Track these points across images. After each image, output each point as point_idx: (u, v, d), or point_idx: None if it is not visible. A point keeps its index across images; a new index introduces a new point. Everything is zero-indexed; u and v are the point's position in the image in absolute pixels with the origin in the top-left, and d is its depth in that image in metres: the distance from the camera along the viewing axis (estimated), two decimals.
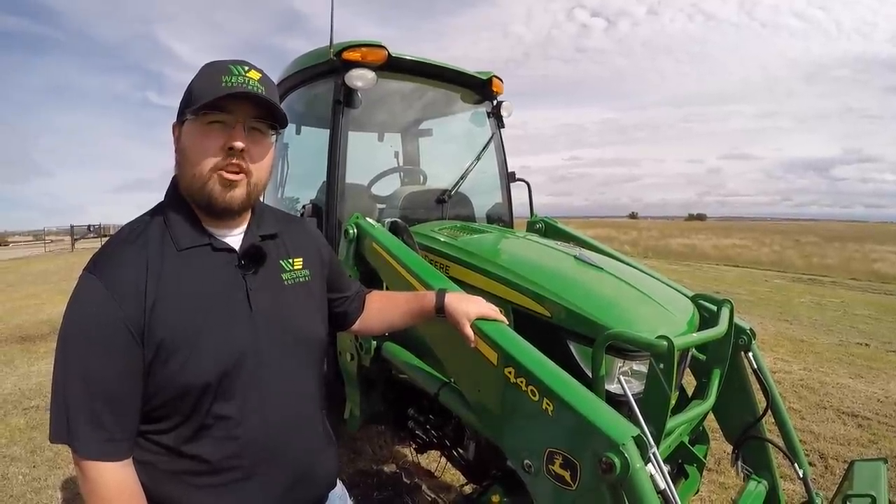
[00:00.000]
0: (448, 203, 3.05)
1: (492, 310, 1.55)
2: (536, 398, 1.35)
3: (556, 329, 1.82)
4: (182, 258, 1.11)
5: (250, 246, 1.19)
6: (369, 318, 1.61)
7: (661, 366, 1.54)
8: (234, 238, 1.21)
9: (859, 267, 16.38)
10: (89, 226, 35.95)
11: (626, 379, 1.76)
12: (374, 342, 2.34)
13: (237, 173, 1.12)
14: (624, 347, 1.68)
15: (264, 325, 1.16)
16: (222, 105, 1.08)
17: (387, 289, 2.19)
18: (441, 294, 1.52)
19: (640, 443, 1.18)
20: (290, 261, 1.30)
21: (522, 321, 1.91)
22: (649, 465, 1.18)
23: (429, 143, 4.13)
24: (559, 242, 2.51)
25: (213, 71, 1.12)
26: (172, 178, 1.19)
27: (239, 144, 1.10)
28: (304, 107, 3.47)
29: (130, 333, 1.02)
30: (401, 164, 3.90)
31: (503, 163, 3.54)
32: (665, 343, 1.49)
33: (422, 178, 3.78)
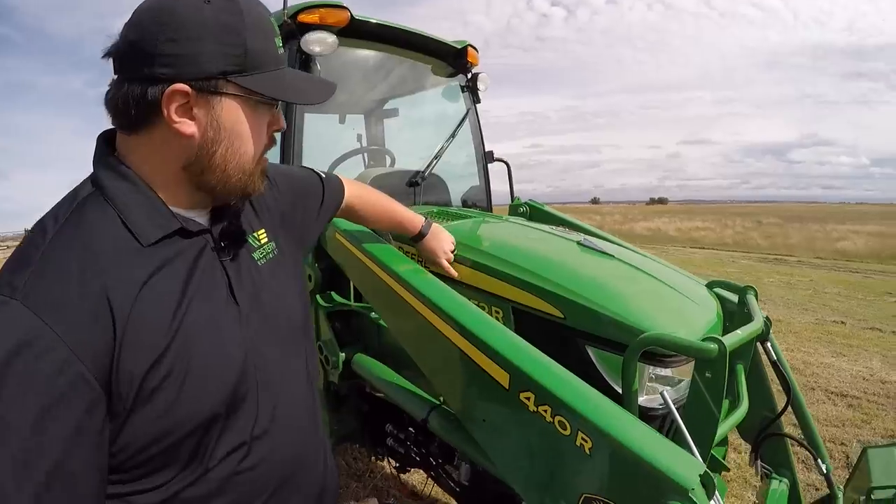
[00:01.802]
0: (421, 186, 2.66)
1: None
2: (568, 432, 1.02)
3: (572, 333, 1.48)
4: (148, 257, 0.81)
5: (228, 223, 0.95)
6: (346, 213, 1.50)
7: (709, 374, 1.23)
8: (202, 215, 0.93)
9: (823, 246, 16.77)
10: (26, 229, 34.33)
11: (655, 387, 1.44)
12: (343, 354, 1.96)
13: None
14: (658, 353, 1.34)
15: (255, 322, 0.93)
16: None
17: (354, 291, 1.83)
18: (430, 224, 1.66)
19: (707, 482, 0.94)
20: (255, 235, 1.04)
21: (526, 324, 1.57)
22: None
23: (395, 124, 3.74)
24: (553, 227, 2.15)
25: (265, 24, 0.88)
26: (109, 158, 0.86)
27: (284, 126, 0.95)
28: None
29: (88, 384, 0.69)
30: (366, 157, 3.49)
31: (480, 142, 3.18)
32: (715, 346, 1.17)
33: (389, 160, 3.39)
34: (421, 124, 3.72)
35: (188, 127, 0.82)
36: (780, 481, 1.99)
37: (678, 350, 1.23)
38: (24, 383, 0.66)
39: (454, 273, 1.68)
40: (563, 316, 1.47)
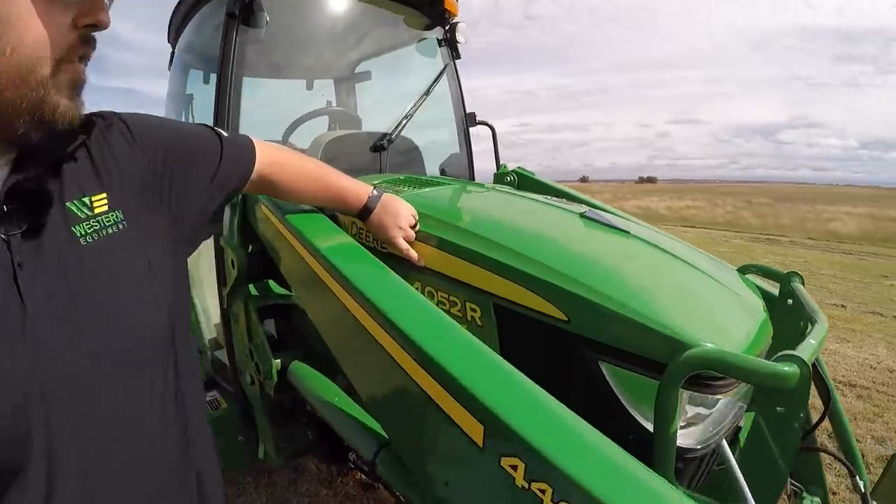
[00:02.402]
0: (388, 152, 2.20)
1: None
2: None
3: (578, 342, 1.05)
4: None
5: (23, 180, 0.67)
6: (258, 186, 1.14)
7: (782, 408, 0.83)
8: None
9: (815, 227, 16.76)
10: None
11: (690, 420, 1.04)
12: (277, 361, 1.53)
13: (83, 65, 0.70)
14: (703, 375, 0.93)
15: (55, 333, 0.65)
16: None
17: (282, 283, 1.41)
18: (379, 195, 1.30)
19: None
20: (86, 201, 0.74)
21: (513, 328, 1.15)
22: None
23: (368, 89, 3.34)
24: (549, 197, 1.72)
25: None
26: None
27: (107, 20, 0.69)
28: (206, 45, 2.57)
29: None
30: (337, 123, 3.05)
31: (460, 103, 2.72)
32: (796, 370, 0.78)
33: (356, 124, 2.95)
34: (396, 88, 3.32)
35: None
36: (812, 500, 1.65)
37: (744, 377, 0.82)
38: None
39: (414, 255, 1.27)
40: (566, 318, 1.04)
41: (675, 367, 0.83)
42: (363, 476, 2.67)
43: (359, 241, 1.47)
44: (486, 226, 1.31)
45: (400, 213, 1.28)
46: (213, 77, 2.64)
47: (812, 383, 1.52)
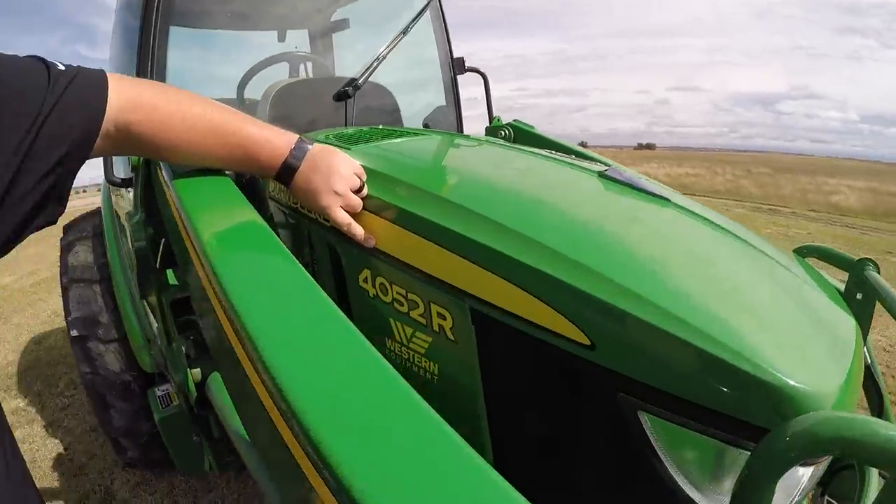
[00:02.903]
0: (354, 100, 1.76)
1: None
2: None
3: (607, 380, 0.66)
4: None
5: None
6: (119, 141, 0.78)
7: None
8: None
9: (816, 198, 16.53)
10: None
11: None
12: (195, 371, 1.14)
13: None
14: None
15: None
16: None
17: (179, 276, 1.03)
18: (303, 149, 0.89)
19: None
20: None
21: (504, 351, 0.77)
22: None
23: (347, 39, 2.86)
24: (554, 153, 1.32)
25: None
26: None
27: None
28: None
29: None
30: (310, 74, 2.62)
31: (446, 46, 2.28)
32: None
33: (327, 72, 2.52)
34: (378, 37, 2.85)
35: None
36: None
37: (887, 464, 0.46)
38: None
39: (358, 231, 0.87)
40: (589, 342, 0.65)
41: (784, 444, 0.48)
42: None
43: (297, 211, 1.10)
44: (466, 192, 0.91)
45: (335, 172, 0.88)
46: (176, 33, 2.25)
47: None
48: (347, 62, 2.90)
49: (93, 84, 0.72)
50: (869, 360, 1.23)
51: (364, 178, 0.92)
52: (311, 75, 2.62)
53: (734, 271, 0.77)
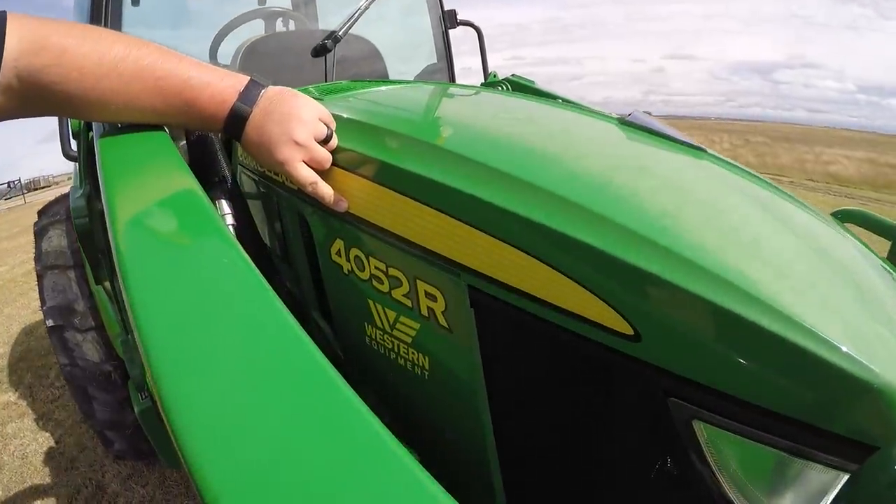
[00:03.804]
0: (334, 54, 1.54)
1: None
2: None
3: (654, 379, 0.49)
4: None
5: None
6: (28, 85, 0.60)
7: None
8: None
9: (814, 168, 16.50)
10: (9, 182, 31.48)
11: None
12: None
13: None
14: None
15: None
16: None
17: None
18: (255, 91, 0.71)
19: None
20: None
21: (513, 340, 0.60)
22: None
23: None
24: (561, 100, 1.14)
25: None
26: None
27: None
28: None
29: None
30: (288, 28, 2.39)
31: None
32: None
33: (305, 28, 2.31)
34: None
35: None
36: None
37: None
38: None
39: (326, 192, 0.69)
40: (632, 331, 0.48)
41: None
42: None
43: (265, 176, 0.91)
44: (462, 139, 0.72)
45: (295, 118, 0.69)
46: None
47: None
48: (332, 21, 2.69)
49: None
50: None
51: (333, 125, 0.73)
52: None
53: (808, 243, 0.60)
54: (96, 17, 1.34)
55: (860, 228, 1.16)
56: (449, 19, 2.05)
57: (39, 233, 2.35)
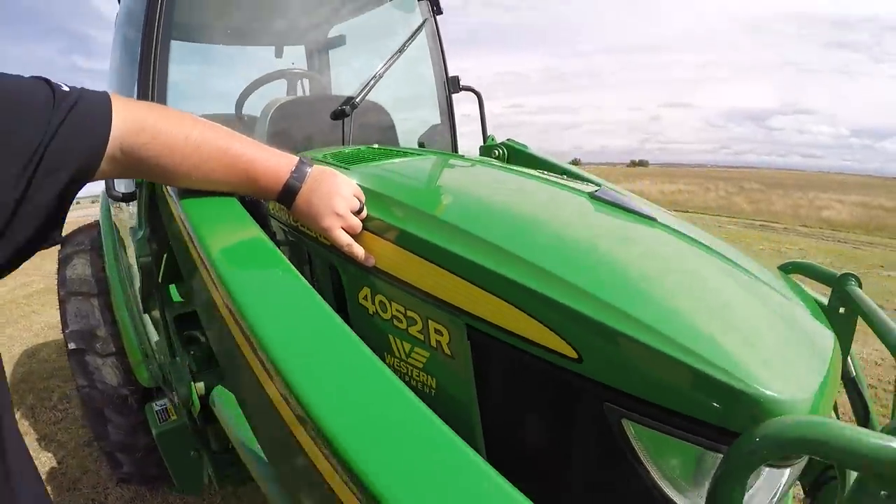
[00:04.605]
0: (351, 118, 1.81)
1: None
2: None
3: (593, 390, 0.71)
4: None
5: None
6: (124, 164, 0.79)
7: (886, 493, 0.55)
8: None
9: (808, 214, 16.68)
10: None
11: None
12: (199, 385, 1.18)
13: None
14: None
15: None
16: None
17: (183, 291, 1.07)
18: (304, 170, 0.92)
19: None
20: None
21: (497, 364, 0.82)
22: None
23: (343, 56, 2.97)
24: (546, 173, 1.37)
25: None
26: None
27: None
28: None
29: None
30: (306, 91, 2.67)
31: (441, 64, 2.35)
32: None
33: (324, 89, 2.58)
34: (373, 54, 2.88)
35: None
36: None
37: (860, 465, 0.50)
38: None
39: (358, 252, 0.91)
40: (576, 356, 0.70)
41: (755, 444, 0.54)
42: None
43: (297, 229, 1.13)
44: (462, 213, 0.95)
45: (336, 194, 0.91)
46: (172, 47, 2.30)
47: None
48: (344, 78, 2.98)
49: (97, 107, 0.73)
50: (854, 374, 1.28)
51: (363, 199, 0.96)
52: (307, 92, 2.68)
53: (717, 288, 0.81)
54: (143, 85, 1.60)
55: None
56: (452, 85, 2.31)
57: (64, 260, 2.55)
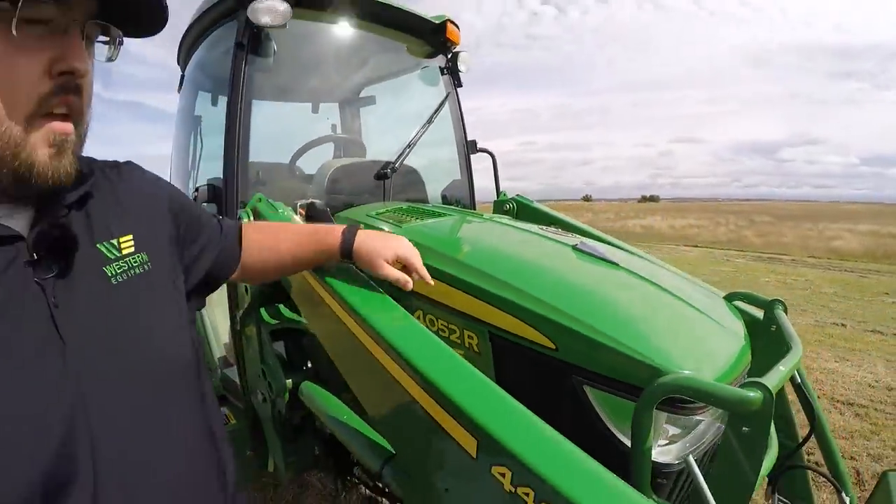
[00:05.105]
0: (391, 180, 2.31)
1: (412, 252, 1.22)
2: None
3: (566, 369, 1.15)
4: None
5: (48, 227, 0.70)
6: (249, 257, 1.13)
7: (748, 428, 0.93)
8: (20, 217, 0.70)
9: (817, 245, 16.72)
10: None
11: (672, 438, 1.14)
12: (289, 381, 1.62)
13: (67, 120, 0.68)
14: (678, 398, 1.03)
15: (93, 365, 0.68)
16: None
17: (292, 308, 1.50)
18: (353, 230, 1.19)
19: None
20: (114, 243, 0.79)
21: (507, 356, 1.26)
22: None
23: (373, 114, 3.46)
24: (546, 228, 1.82)
25: None
26: None
27: (82, 65, 0.66)
28: (217, 69, 2.68)
29: None
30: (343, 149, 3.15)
31: (461, 130, 2.83)
32: (759, 395, 0.87)
33: (362, 151, 3.06)
34: (399, 113, 3.42)
35: None
36: None
37: (711, 401, 0.91)
38: None
39: (406, 281, 1.19)
40: (554, 346, 1.14)
41: (649, 391, 0.93)
42: (366, 491, 2.70)
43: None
44: (481, 258, 1.41)
45: (382, 247, 1.18)
46: (221, 100, 2.79)
47: (799, 402, 1.61)
48: (372, 129, 3.42)
49: (235, 242, 1.10)
50: (800, 380, 1.66)
51: (406, 249, 1.22)
52: (343, 150, 3.13)
53: (651, 306, 1.25)
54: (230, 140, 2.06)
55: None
56: (470, 147, 2.79)
57: None
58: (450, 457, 0.87)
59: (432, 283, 1.25)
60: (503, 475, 0.76)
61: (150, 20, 0.75)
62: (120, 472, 0.69)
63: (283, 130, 3.07)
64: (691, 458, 0.97)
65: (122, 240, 0.80)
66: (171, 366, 0.81)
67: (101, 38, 0.75)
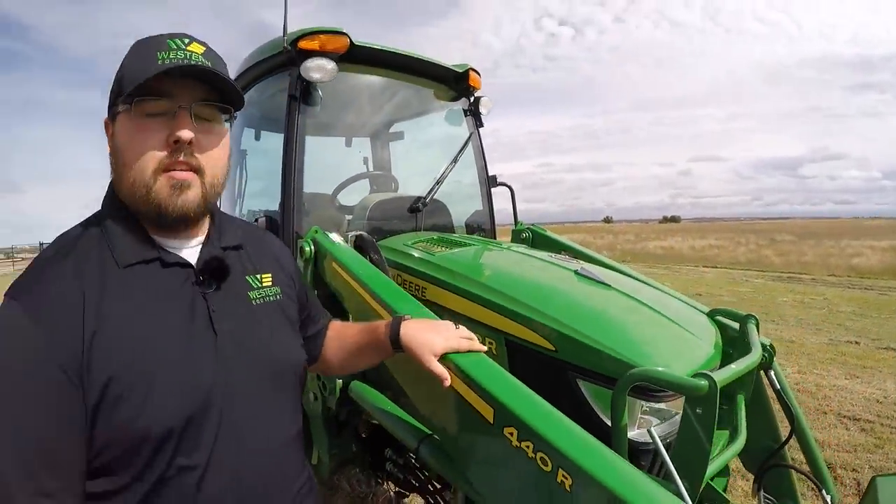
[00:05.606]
0: (422, 212, 2.69)
1: (463, 339, 1.30)
2: (549, 468, 1.03)
3: (563, 366, 1.48)
4: (125, 277, 0.92)
5: (211, 258, 1.01)
6: (328, 356, 1.38)
7: (699, 410, 1.23)
8: (191, 251, 1.02)
9: (837, 263, 16.56)
10: (41, 242, 33.96)
11: (649, 420, 1.44)
12: (340, 381, 1.97)
13: (187, 170, 0.94)
14: (649, 388, 1.35)
15: (234, 353, 0.97)
16: (160, 88, 0.91)
17: (350, 319, 1.83)
18: (396, 322, 1.26)
19: None
20: (258, 277, 1.11)
21: (518, 356, 1.59)
22: None
23: (401, 147, 3.81)
24: (553, 255, 2.16)
25: (145, 48, 0.94)
26: (109, 184, 1.01)
27: (186, 134, 0.91)
28: (262, 109, 3.10)
29: (65, 374, 0.81)
30: (371, 170, 3.53)
31: (483, 166, 3.19)
32: (705, 383, 1.17)
33: (393, 185, 3.42)
34: (425, 148, 3.79)
35: (109, 156, 0.98)
36: None
37: (667, 386, 1.23)
38: (16, 368, 0.80)
39: (444, 374, 1.21)
40: (554, 349, 1.48)
41: (622, 380, 1.24)
42: (392, 494, 2.90)
43: None
44: (499, 280, 1.76)
45: (433, 335, 1.26)
46: (264, 135, 3.18)
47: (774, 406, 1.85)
48: (399, 159, 3.76)
49: (325, 326, 1.37)
50: (779, 386, 1.91)
51: (453, 336, 1.30)
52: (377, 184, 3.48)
53: (634, 319, 1.58)
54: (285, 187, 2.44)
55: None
56: (491, 181, 3.14)
57: None
58: (473, 425, 1.19)
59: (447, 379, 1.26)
60: (511, 434, 1.09)
61: (236, 101, 1.01)
62: (237, 430, 0.94)
63: (321, 161, 3.42)
64: (654, 430, 1.27)
65: (263, 276, 1.11)
66: (285, 366, 1.08)
67: (224, 115, 1.02)
